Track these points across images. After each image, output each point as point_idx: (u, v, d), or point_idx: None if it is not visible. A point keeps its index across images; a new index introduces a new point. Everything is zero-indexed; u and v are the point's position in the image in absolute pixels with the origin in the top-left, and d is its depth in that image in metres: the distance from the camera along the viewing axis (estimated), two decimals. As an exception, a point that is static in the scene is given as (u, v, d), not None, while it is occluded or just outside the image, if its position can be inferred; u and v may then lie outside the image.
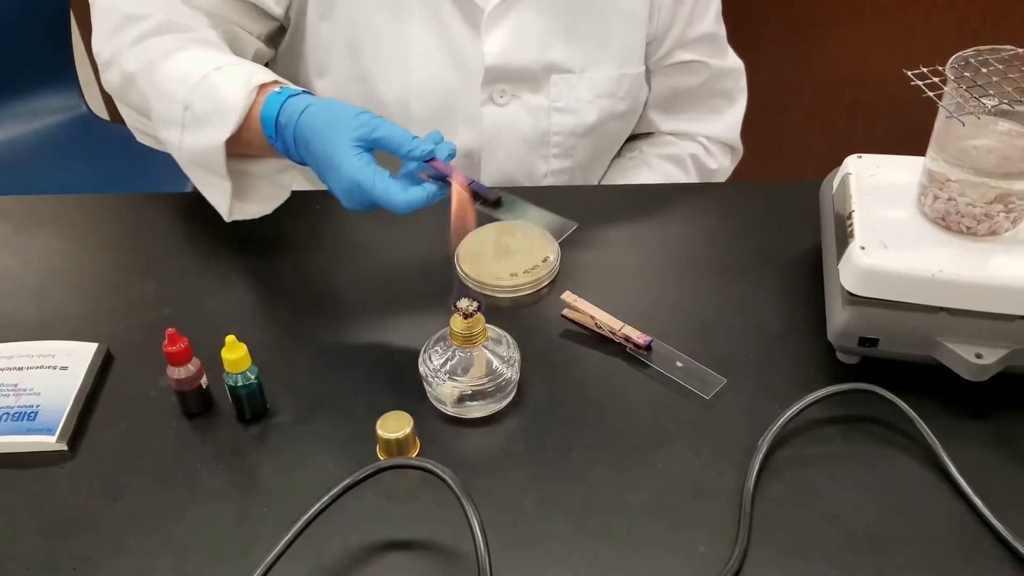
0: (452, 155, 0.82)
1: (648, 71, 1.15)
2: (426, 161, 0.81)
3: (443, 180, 0.82)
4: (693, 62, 1.14)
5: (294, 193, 1.17)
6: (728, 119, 1.20)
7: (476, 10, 1.03)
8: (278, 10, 1.04)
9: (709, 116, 1.19)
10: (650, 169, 1.19)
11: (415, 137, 0.81)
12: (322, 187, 1.15)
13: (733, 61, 1.19)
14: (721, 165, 1.21)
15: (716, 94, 1.19)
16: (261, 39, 1.07)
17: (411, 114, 1.06)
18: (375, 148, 0.82)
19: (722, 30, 1.16)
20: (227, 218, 0.92)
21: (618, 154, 1.22)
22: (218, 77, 0.88)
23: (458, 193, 0.81)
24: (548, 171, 1.12)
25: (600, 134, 1.12)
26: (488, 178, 1.11)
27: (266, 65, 1.15)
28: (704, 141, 1.20)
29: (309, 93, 0.87)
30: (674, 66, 1.14)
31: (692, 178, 1.20)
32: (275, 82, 0.88)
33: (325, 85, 1.07)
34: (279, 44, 1.12)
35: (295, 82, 1.10)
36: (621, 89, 1.10)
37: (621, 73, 1.09)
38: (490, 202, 0.81)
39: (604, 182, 1.21)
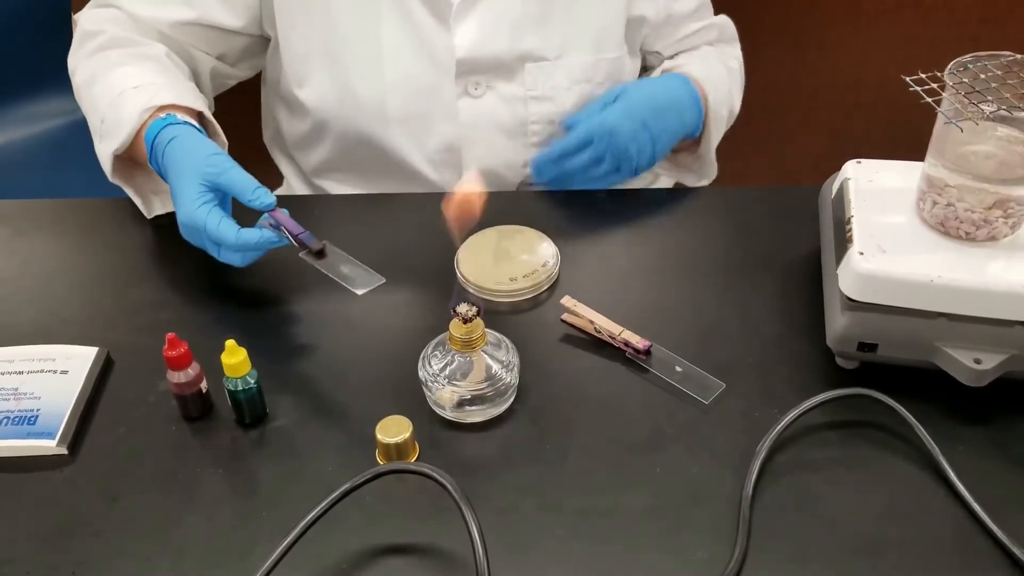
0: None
1: (646, 54, 1.17)
2: (268, 212, 0.86)
3: (279, 229, 0.87)
4: (701, 28, 1.17)
5: (294, 198, 1.18)
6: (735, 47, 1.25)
7: (444, 3, 1.03)
8: (236, 23, 1.06)
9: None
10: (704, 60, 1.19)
11: (259, 187, 0.86)
12: (325, 191, 1.16)
13: (721, 16, 1.22)
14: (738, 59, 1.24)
15: (732, 38, 1.23)
16: (225, 60, 1.10)
17: (387, 113, 1.06)
18: (221, 190, 0.87)
19: None
20: (148, 215, 1.00)
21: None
22: (131, 95, 0.95)
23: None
24: (528, 159, 1.12)
25: None
26: (470, 170, 1.11)
27: (258, 76, 1.17)
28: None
29: (191, 124, 0.92)
30: (685, 38, 1.17)
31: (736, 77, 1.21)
32: (173, 106, 0.94)
33: (306, 94, 1.08)
34: (258, 58, 1.14)
35: (279, 93, 1.12)
36: (599, 74, 1.10)
37: (597, 58, 1.09)
38: (313, 252, 0.86)
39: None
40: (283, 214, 0.87)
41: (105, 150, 0.95)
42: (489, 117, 1.09)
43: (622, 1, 1.09)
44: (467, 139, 1.09)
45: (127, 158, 0.98)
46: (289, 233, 0.86)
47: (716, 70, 1.15)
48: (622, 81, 1.13)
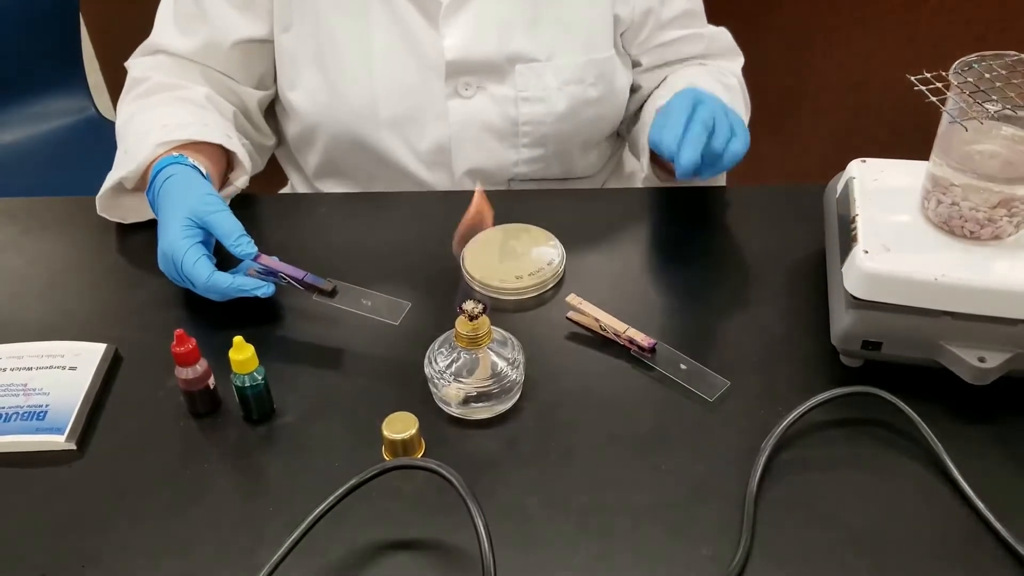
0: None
1: (631, 58, 1.15)
2: (255, 259, 0.86)
3: (274, 276, 0.86)
4: (684, 36, 1.14)
5: (300, 196, 1.18)
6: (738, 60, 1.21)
7: (433, 4, 1.03)
8: (262, 30, 1.06)
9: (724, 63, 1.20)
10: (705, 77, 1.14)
11: (244, 235, 0.86)
12: (336, 189, 1.16)
13: (716, 29, 1.19)
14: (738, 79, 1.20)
15: (727, 51, 1.19)
16: (265, 83, 1.11)
17: (379, 116, 1.06)
18: (207, 230, 0.87)
19: (699, 6, 1.16)
20: (98, 209, 1.00)
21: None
22: (157, 131, 0.96)
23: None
24: (519, 160, 1.11)
25: (573, 122, 1.11)
26: (460, 171, 1.11)
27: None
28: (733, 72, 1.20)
29: (198, 168, 0.93)
30: (665, 45, 1.14)
31: (737, 94, 1.17)
32: (193, 144, 0.96)
33: (297, 96, 1.08)
34: None
35: (275, 96, 1.12)
36: (590, 75, 1.09)
37: (588, 59, 1.08)
38: (326, 293, 0.85)
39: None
40: (276, 261, 0.86)
41: (113, 175, 0.97)
42: (479, 118, 1.08)
43: (609, 1, 1.08)
44: (457, 140, 1.09)
45: (136, 188, 0.99)
46: (293, 279, 0.85)
47: (715, 91, 1.09)
48: (614, 82, 1.12)
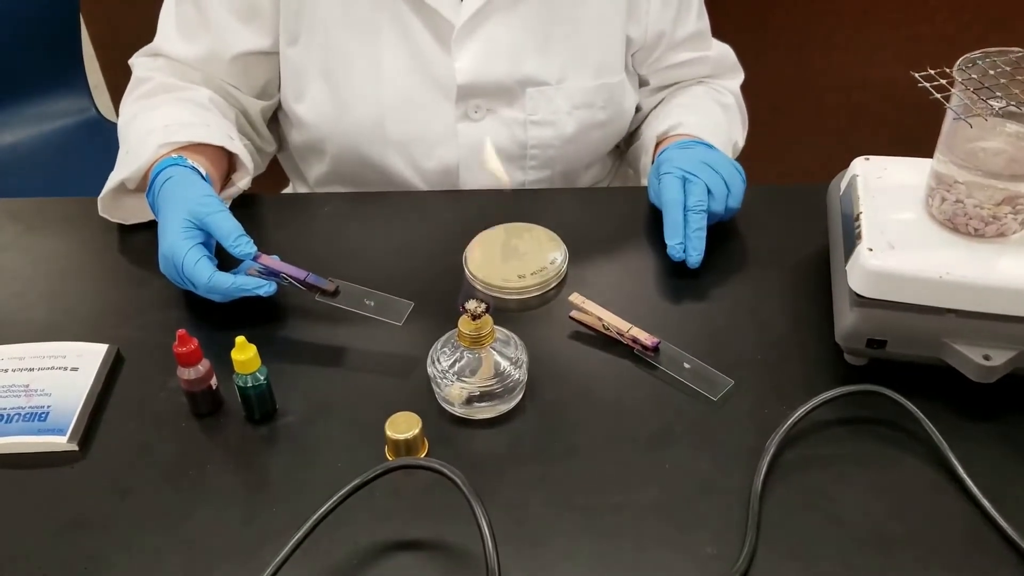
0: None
1: (639, 77, 1.15)
2: (255, 259, 0.86)
3: (276, 276, 0.86)
4: (693, 59, 1.14)
5: (303, 196, 1.18)
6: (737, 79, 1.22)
7: (446, 26, 1.02)
8: (265, 42, 1.05)
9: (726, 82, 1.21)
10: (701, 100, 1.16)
11: (243, 235, 0.85)
12: (340, 189, 1.16)
13: (720, 46, 1.19)
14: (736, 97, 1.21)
15: (729, 69, 1.20)
16: (268, 92, 1.10)
17: (386, 134, 1.06)
18: (206, 231, 0.87)
19: (706, 25, 1.16)
20: (100, 210, 0.99)
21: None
22: (158, 132, 0.96)
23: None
24: (525, 181, 1.12)
25: (580, 144, 1.11)
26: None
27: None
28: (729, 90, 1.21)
29: (197, 169, 0.92)
30: (674, 67, 1.15)
31: (733, 114, 1.18)
32: (193, 145, 0.95)
33: (303, 109, 1.08)
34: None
35: (281, 104, 1.12)
36: (600, 99, 1.09)
37: (599, 83, 1.08)
38: (328, 293, 0.85)
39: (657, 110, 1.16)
40: (277, 260, 0.86)
41: (115, 176, 0.97)
42: (488, 140, 1.08)
43: (621, 25, 1.07)
44: (465, 162, 1.09)
45: (138, 189, 0.99)
46: (294, 280, 0.85)
47: (711, 114, 1.12)
48: (623, 104, 1.12)
